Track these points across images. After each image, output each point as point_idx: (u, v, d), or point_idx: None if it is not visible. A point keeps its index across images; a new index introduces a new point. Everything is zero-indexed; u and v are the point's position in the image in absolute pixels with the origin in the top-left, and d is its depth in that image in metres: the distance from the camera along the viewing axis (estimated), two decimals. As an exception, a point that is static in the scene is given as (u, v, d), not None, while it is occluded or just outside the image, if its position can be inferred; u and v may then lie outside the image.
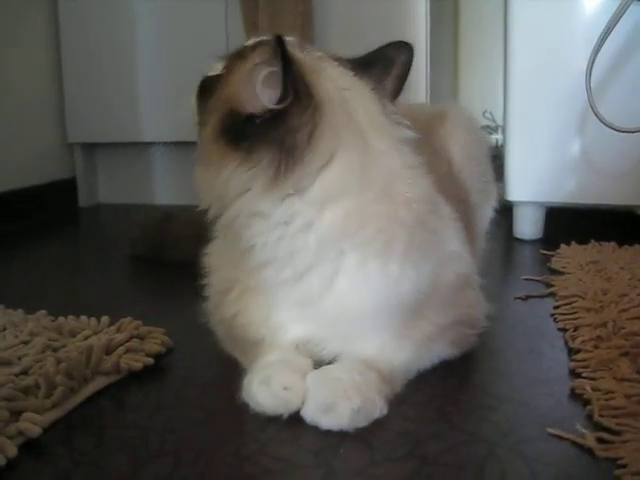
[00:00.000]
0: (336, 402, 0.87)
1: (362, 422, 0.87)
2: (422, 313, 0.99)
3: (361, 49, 0.99)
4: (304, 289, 0.94)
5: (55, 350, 1.08)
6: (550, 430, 0.85)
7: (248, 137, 0.88)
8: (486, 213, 1.51)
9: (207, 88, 0.97)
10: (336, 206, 0.90)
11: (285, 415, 0.89)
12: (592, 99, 1.71)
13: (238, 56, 0.94)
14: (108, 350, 1.06)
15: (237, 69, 0.92)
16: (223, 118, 0.91)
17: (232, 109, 0.90)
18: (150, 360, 1.07)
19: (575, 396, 0.95)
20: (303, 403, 0.89)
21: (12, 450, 0.81)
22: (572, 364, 1.05)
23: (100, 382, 1.01)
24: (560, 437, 0.84)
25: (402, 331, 0.98)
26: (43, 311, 1.26)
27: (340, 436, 0.85)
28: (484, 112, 2.59)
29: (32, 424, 0.86)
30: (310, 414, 0.88)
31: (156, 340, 1.13)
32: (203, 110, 0.96)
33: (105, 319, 1.20)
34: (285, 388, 0.89)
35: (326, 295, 0.94)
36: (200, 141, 0.95)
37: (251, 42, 0.95)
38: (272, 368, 0.92)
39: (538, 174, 1.94)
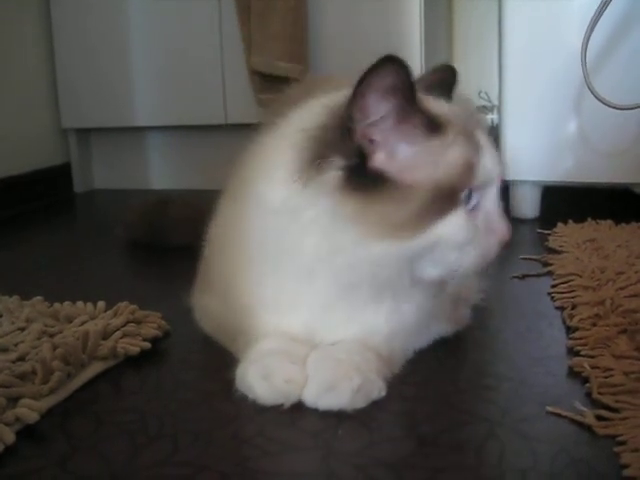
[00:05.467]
0: (337, 382, 0.86)
1: (361, 402, 0.87)
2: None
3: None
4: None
5: (51, 336, 1.07)
6: (549, 408, 0.85)
7: None
8: None
9: None
10: None
11: (286, 405, 0.88)
12: (588, 76, 1.70)
13: None
14: (105, 335, 1.06)
15: None
16: None
17: None
18: (147, 344, 1.07)
19: (574, 374, 0.96)
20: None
21: (10, 437, 0.81)
22: (570, 342, 1.05)
23: (97, 367, 1.01)
24: (559, 415, 0.84)
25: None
26: (39, 297, 1.26)
27: (338, 417, 0.85)
28: (479, 92, 2.58)
29: (29, 410, 0.86)
30: (311, 396, 0.87)
31: (153, 324, 1.12)
32: None
33: (101, 304, 1.19)
34: (287, 381, 0.88)
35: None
36: None
37: None
38: (271, 359, 0.90)
39: (534, 153, 1.93)
